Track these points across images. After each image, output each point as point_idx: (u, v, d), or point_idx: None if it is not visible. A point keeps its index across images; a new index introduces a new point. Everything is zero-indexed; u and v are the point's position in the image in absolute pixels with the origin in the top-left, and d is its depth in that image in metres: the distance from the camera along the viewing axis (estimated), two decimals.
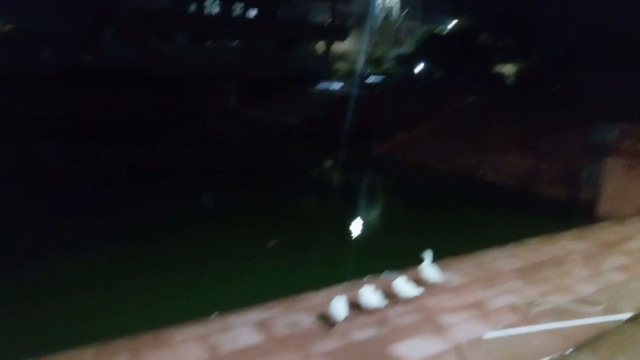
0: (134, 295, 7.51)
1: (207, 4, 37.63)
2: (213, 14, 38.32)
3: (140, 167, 18.72)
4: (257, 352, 4.27)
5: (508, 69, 38.74)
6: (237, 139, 28.28)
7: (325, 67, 37.99)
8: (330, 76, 36.33)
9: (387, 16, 48.33)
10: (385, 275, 6.19)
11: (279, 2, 38.92)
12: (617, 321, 4.81)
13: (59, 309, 7.14)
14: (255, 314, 5.02)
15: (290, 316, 4.98)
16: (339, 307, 4.69)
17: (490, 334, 4.61)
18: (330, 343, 4.43)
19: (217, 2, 37.65)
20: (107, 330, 4.98)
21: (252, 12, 39.35)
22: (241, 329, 4.69)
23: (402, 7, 48.49)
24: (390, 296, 5.34)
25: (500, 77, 37.14)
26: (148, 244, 9.65)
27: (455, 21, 43.87)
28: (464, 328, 4.78)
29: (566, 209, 12.29)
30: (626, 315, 4.94)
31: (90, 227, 10.70)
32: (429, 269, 5.69)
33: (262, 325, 4.76)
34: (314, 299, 5.43)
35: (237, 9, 38.77)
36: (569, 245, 7.70)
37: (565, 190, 13.76)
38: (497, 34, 36.53)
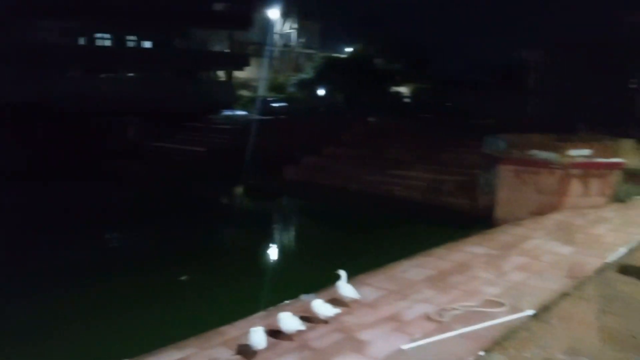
0: (39, 350, 6.87)
1: (100, 36, 36.17)
2: (108, 46, 36.91)
3: (39, 208, 17.28)
4: None
5: (405, 90, 41.04)
6: (142, 172, 27.14)
7: (229, 95, 37.77)
8: (235, 104, 36.20)
9: (286, 44, 49.25)
10: (302, 298, 6.15)
11: (176, 32, 38.29)
12: (521, 319, 5.12)
13: None
14: (171, 354, 4.77)
15: (209, 352, 4.77)
16: (257, 336, 4.57)
17: (408, 345, 4.71)
18: None
19: (112, 34, 36.31)
20: None
21: (148, 44, 38.36)
22: None
23: (299, 35, 49.68)
24: (310, 319, 5.31)
25: (399, 98, 39.23)
26: (52, 293, 8.88)
27: (351, 48, 45.86)
28: (382, 342, 4.85)
29: (467, 217, 13.03)
30: (529, 313, 5.28)
31: None
32: (344, 287, 5.74)
33: None
34: (232, 331, 5.26)
35: (133, 40, 37.65)
36: (472, 250, 8.14)
37: (465, 199, 14.61)
38: (392, 59, 38.72)
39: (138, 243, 12.90)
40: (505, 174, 12.33)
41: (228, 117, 32.78)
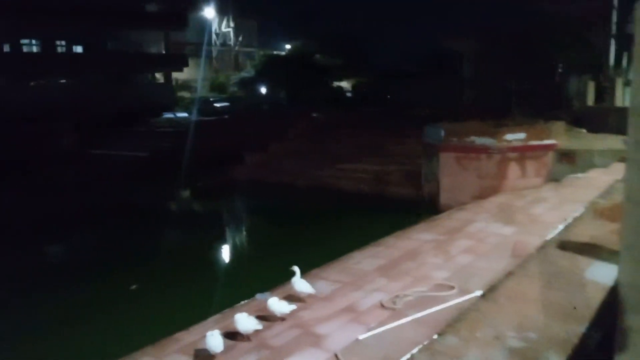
0: None
1: (27, 41, 34.36)
2: (36, 52, 35.13)
3: None
4: None
5: (346, 85, 41.46)
6: (81, 179, 26.04)
7: (169, 97, 36.86)
8: (175, 106, 35.38)
9: (224, 43, 48.59)
10: (257, 298, 6.13)
11: (108, 35, 36.91)
12: (471, 300, 5.32)
13: None
14: None
15: None
16: (214, 339, 4.51)
17: (365, 335, 4.80)
18: None
19: (39, 38, 34.56)
20: None
21: (80, 48, 36.80)
22: None
23: (237, 34, 49.12)
24: (267, 317, 5.30)
25: (341, 92, 39.60)
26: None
27: (290, 45, 45.86)
28: (340, 334, 4.91)
29: (414, 205, 13.36)
30: (478, 293, 5.49)
31: None
32: (299, 283, 5.76)
33: None
34: (188, 337, 5.17)
35: (63, 45, 36.01)
36: (420, 236, 8.37)
37: (411, 188, 14.96)
38: (331, 54, 39.02)
39: (82, 253, 12.42)
40: (446, 161, 12.71)
41: (169, 119, 32.00)
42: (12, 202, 19.16)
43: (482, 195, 11.74)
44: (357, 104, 33.42)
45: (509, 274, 5.69)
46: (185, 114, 32.93)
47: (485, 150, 12.18)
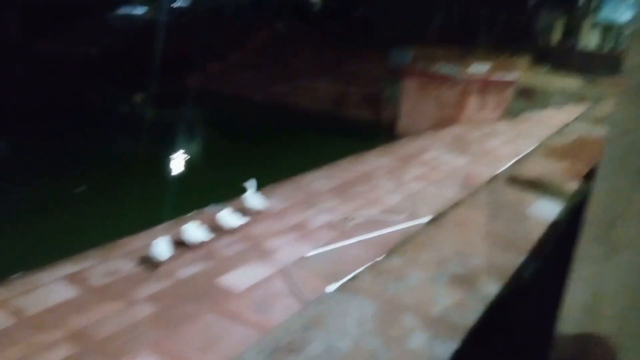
0: None
1: None
2: None
3: None
4: (71, 307, 3.88)
5: None
6: (25, 76, 24.42)
7: None
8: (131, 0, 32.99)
9: None
10: (209, 209, 6.07)
11: None
12: (420, 225, 5.44)
13: None
14: (67, 268, 4.54)
15: (108, 264, 4.61)
16: (161, 247, 4.46)
17: (312, 252, 4.85)
18: (154, 286, 4.22)
19: None
20: None
21: None
22: (51, 286, 4.21)
23: None
24: (216, 229, 5.26)
25: (306, 4, 37.82)
26: None
27: None
28: (288, 250, 4.95)
29: (372, 129, 13.34)
30: (426, 219, 5.61)
31: None
32: (252, 197, 5.72)
33: (75, 279, 4.33)
34: (134, 242, 5.09)
35: None
36: (375, 161, 8.41)
37: (369, 111, 14.88)
38: None
39: (26, 152, 11.85)
40: (409, 86, 12.61)
41: (125, 15, 29.92)
42: None
43: (440, 124, 11.82)
44: (324, 19, 32.14)
45: (457, 203, 5.82)
46: (142, 10, 30.82)
47: (448, 79, 12.11)
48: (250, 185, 5.73)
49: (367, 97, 15.82)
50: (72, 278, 4.34)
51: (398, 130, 12.44)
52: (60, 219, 7.75)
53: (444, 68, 12.12)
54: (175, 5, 31.78)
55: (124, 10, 30.67)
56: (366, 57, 18.48)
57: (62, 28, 26.98)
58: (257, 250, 4.94)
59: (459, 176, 7.52)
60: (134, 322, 3.67)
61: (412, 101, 12.57)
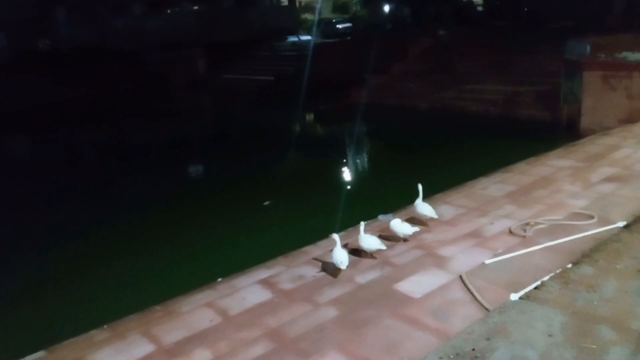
0: (137, 273, 7.52)
1: None
2: None
3: (118, 146, 18.39)
4: (266, 308, 4.33)
5: None
6: (212, 105, 27.78)
7: (293, 19, 37.04)
8: (299, 29, 35.49)
9: None
10: (380, 219, 6.24)
11: None
12: (612, 231, 4.92)
13: (66, 296, 7.13)
14: (259, 274, 5.06)
15: (294, 271, 5.02)
16: (340, 254, 4.73)
17: (491, 260, 4.70)
18: (336, 290, 4.49)
19: None
20: (116, 310, 4.99)
21: None
22: (248, 290, 4.74)
23: None
24: (388, 238, 5.40)
25: (470, 5, 36.63)
26: (142, 221, 9.59)
27: None
28: (464, 258, 4.86)
29: (549, 129, 12.38)
30: (620, 224, 5.05)
31: (74, 210, 10.56)
32: (422, 205, 5.74)
33: (267, 283, 4.81)
34: (315, 250, 5.48)
35: None
36: (556, 163, 7.80)
37: (545, 110, 13.84)
38: None
39: (220, 172, 13.43)
40: (590, 79, 11.46)
41: (293, 43, 32.28)
42: (150, 127, 21.16)
43: (632, 118, 10.51)
44: (488, 18, 30.75)
45: None
46: (307, 37, 32.97)
47: (639, 67, 10.73)
48: (419, 190, 5.75)
49: (542, 95, 14.73)
50: (265, 283, 4.83)
51: (580, 128, 11.35)
52: (251, 229, 8.66)
53: (633, 55, 10.76)
54: (338, 27, 33.31)
55: (292, 38, 33.09)
56: (537, 52, 17.25)
57: (239, 59, 30.08)
58: (432, 258, 4.95)
59: None
60: (320, 324, 3.96)
61: (596, 95, 11.37)
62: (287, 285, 4.71)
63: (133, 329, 4.32)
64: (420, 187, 5.75)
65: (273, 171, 12.51)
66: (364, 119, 18.38)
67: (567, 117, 12.36)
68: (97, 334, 4.36)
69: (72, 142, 20.73)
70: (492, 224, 5.66)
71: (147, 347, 3.98)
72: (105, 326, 4.47)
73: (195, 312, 4.44)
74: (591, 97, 11.47)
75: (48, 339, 4.47)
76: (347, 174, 12.63)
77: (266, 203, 9.83)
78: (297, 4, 39.67)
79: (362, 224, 5.14)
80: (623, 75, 10.96)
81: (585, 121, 11.50)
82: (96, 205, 10.98)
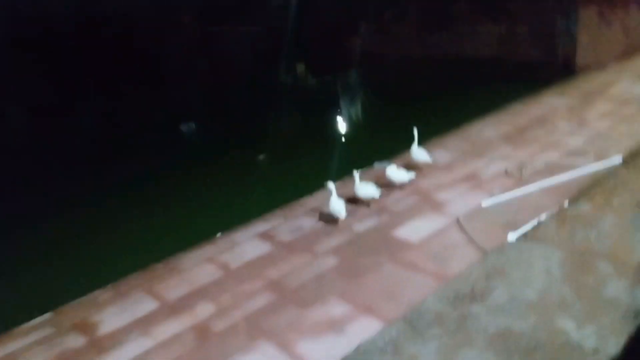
0: (138, 233, 7.55)
1: None
2: None
3: (110, 104, 18.03)
4: (266, 261, 4.36)
5: None
6: (201, 59, 27.09)
7: None
8: None
9: None
10: (376, 166, 6.22)
11: None
12: (608, 168, 4.91)
13: (70, 259, 7.18)
14: (258, 227, 5.07)
15: (292, 222, 5.04)
16: (337, 204, 4.72)
17: (487, 202, 4.71)
18: (335, 239, 4.51)
19: None
20: (119, 270, 5.02)
21: None
22: (247, 243, 4.75)
23: None
24: (385, 185, 5.39)
25: None
26: (138, 181, 9.54)
27: None
28: (461, 201, 4.87)
29: (545, 68, 12.19)
30: (617, 160, 5.03)
31: (72, 173, 10.48)
32: (418, 151, 5.70)
33: (266, 236, 4.82)
34: (312, 202, 5.47)
35: None
36: (552, 102, 7.72)
37: (541, 50, 13.58)
38: None
39: (214, 129, 13.26)
40: (586, 15, 11.18)
41: None
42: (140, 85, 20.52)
43: (628, 53, 10.32)
44: None
45: None
46: None
47: (635, 1, 10.47)
48: (415, 135, 5.69)
49: (537, 35, 14.41)
50: (264, 236, 4.84)
51: (576, 65, 11.18)
52: (247, 183, 8.64)
53: None
54: None
55: None
56: None
57: (229, 10, 29.08)
58: (429, 203, 4.96)
59: None
60: (320, 273, 3.99)
61: (592, 31, 11.14)
62: (286, 237, 4.73)
63: (136, 287, 4.36)
64: (415, 130, 5.69)
65: (266, 124, 12.36)
66: (356, 67, 18.09)
67: (562, 55, 12.15)
68: (101, 294, 4.41)
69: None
70: (489, 166, 5.64)
71: (151, 304, 4.02)
72: (109, 286, 4.52)
73: (197, 268, 4.47)
74: (587, 34, 11.24)
75: (54, 302, 4.52)
76: (341, 124, 12.51)
77: (260, 157, 9.77)
78: None
79: (356, 172, 5.11)
80: (619, 9, 10.69)
81: (581, 58, 11.32)
82: (94, 166, 10.87)
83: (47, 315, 4.21)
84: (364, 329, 3.17)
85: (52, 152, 12.79)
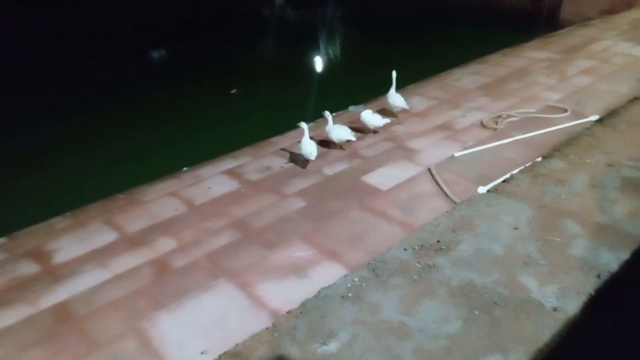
0: (100, 161, 7.27)
1: None
2: None
3: (80, 30, 17.06)
4: (232, 199, 4.24)
5: None
6: None
7: None
8: None
9: None
10: (350, 110, 6.05)
11: None
12: (585, 125, 4.87)
13: (27, 184, 6.91)
14: (226, 164, 4.92)
15: (261, 161, 4.89)
16: (309, 145, 4.58)
17: (460, 153, 4.64)
18: (304, 181, 4.40)
19: None
20: (79, 198, 4.83)
21: None
22: (213, 180, 4.62)
23: None
24: (359, 129, 5.26)
25: None
26: (105, 109, 9.13)
27: None
28: (433, 150, 4.79)
29: (529, 19, 11.93)
30: (593, 118, 5.00)
31: (33, 96, 9.97)
32: (394, 96, 5.54)
33: (234, 174, 4.68)
34: (283, 141, 5.32)
35: None
36: (532, 55, 7.59)
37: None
38: None
39: (183, 59, 12.72)
40: None
41: None
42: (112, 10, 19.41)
43: (613, 9, 10.18)
44: None
45: (633, 99, 5.08)
46: None
47: None
48: (393, 78, 5.51)
49: None
50: (231, 173, 4.69)
51: (560, 18, 10.96)
52: (217, 117, 8.34)
53: None
54: None
55: None
56: None
57: None
58: (402, 150, 4.86)
59: (635, 69, 6.50)
60: (286, 215, 3.90)
61: None
62: (253, 176, 4.60)
63: (95, 217, 4.21)
64: (394, 74, 5.51)
65: (241, 59, 11.89)
66: (336, 3, 17.44)
67: (547, 7, 11.89)
68: (58, 222, 4.26)
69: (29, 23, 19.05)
70: (464, 116, 5.55)
71: (109, 235, 3.90)
72: (67, 214, 4.36)
73: (160, 201, 4.33)
74: None
75: (8, 227, 4.35)
76: (318, 64, 12.14)
77: (233, 91, 9.42)
78: None
79: (329, 114, 4.94)
80: None
81: (565, 11, 11.09)
82: (57, 91, 10.34)
83: (1, 240, 4.05)
84: (327, 274, 3.13)
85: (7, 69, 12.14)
